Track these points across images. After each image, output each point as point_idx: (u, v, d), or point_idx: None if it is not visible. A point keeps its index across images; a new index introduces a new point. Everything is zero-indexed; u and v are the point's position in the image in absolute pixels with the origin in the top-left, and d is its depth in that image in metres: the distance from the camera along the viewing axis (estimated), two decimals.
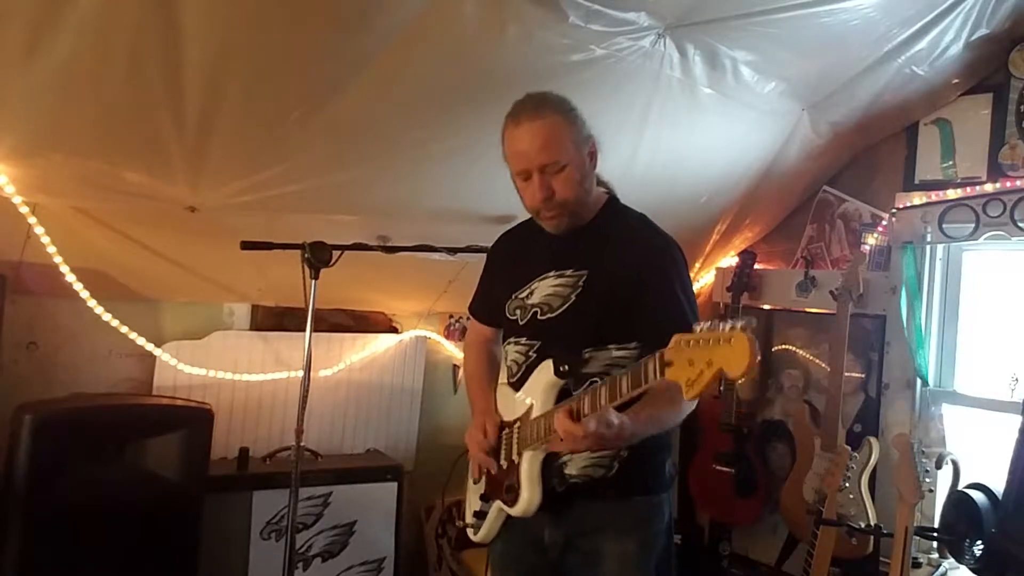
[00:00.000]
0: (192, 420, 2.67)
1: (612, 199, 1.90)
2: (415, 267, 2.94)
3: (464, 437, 1.95)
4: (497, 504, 1.84)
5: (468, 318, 3.80)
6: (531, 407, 1.77)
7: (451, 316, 3.69)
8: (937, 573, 2.78)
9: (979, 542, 2.41)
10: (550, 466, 1.76)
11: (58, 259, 2.56)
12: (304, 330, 2.35)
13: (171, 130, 2.13)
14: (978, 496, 2.45)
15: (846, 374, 3.02)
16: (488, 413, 1.91)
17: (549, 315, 1.81)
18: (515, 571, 1.93)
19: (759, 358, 1.27)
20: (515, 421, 1.82)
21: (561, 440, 1.59)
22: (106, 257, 2.70)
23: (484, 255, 2.37)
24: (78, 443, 2.45)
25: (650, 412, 1.63)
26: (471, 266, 3.14)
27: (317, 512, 3.05)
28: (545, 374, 1.76)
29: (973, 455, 2.76)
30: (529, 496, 1.73)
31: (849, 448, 2.83)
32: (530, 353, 1.84)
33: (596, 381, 1.70)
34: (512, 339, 1.91)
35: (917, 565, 2.76)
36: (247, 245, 2.32)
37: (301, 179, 2.45)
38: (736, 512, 3.43)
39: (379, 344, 3.45)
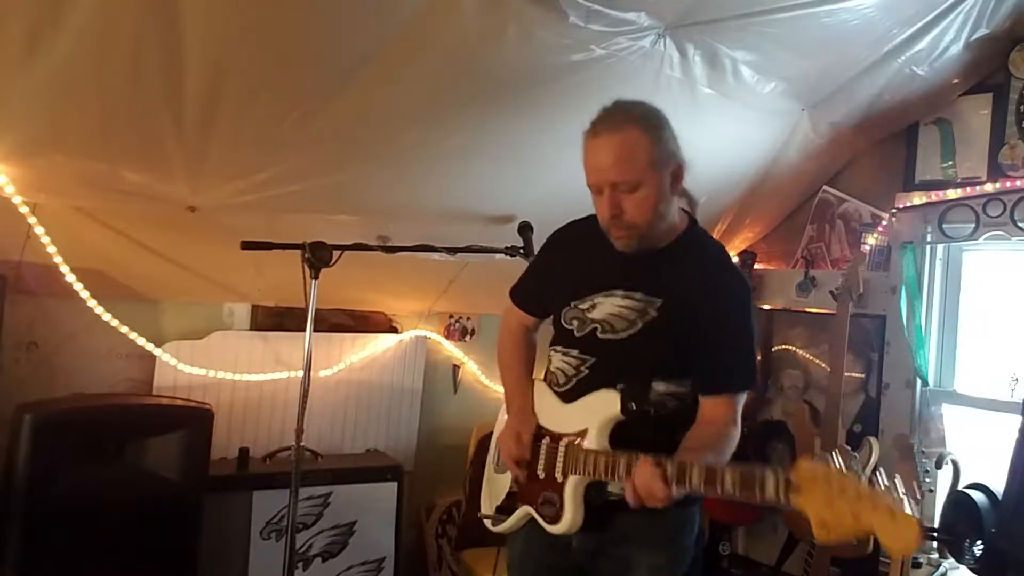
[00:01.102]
0: (192, 420, 2.67)
1: (693, 223, 1.81)
2: (415, 267, 2.94)
3: (497, 436, 1.92)
4: (526, 509, 1.80)
5: (468, 318, 3.82)
6: (584, 432, 1.71)
7: (451, 316, 3.69)
8: (937, 573, 2.78)
9: (979, 542, 2.42)
10: (597, 485, 1.71)
11: (58, 259, 2.56)
12: (304, 330, 2.34)
13: (171, 130, 2.13)
14: (978, 496, 2.45)
15: (846, 374, 3.02)
16: (525, 419, 1.83)
17: (611, 336, 1.74)
18: (533, 568, 1.89)
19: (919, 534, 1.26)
20: (561, 436, 1.76)
21: (633, 491, 1.54)
22: (106, 257, 2.70)
23: (484, 255, 2.37)
24: (78, 443, 2.45)
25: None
26: (471, 266, 3.14)
27: (317, 512, 3.05)
28: (608, 404, 1.69)
29: (973, 455, 2.76)
30: (573, 519, 1.69)
31: (849, 448, 2.83)
32: (582, 368, 1.78)
33: (650, 412, 1.70)
34: (562, 348, 1.83)
35: (917, 565, 2.76)
36: (247, 245, 2.32)
37: (301, 179, 2.46)
38: (736, 512, 3.43)
39: (379, 344, 3.45)
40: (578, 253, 1.86)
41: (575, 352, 1.80)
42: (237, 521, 2.88)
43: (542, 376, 1.92)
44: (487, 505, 1.93)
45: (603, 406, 1.71)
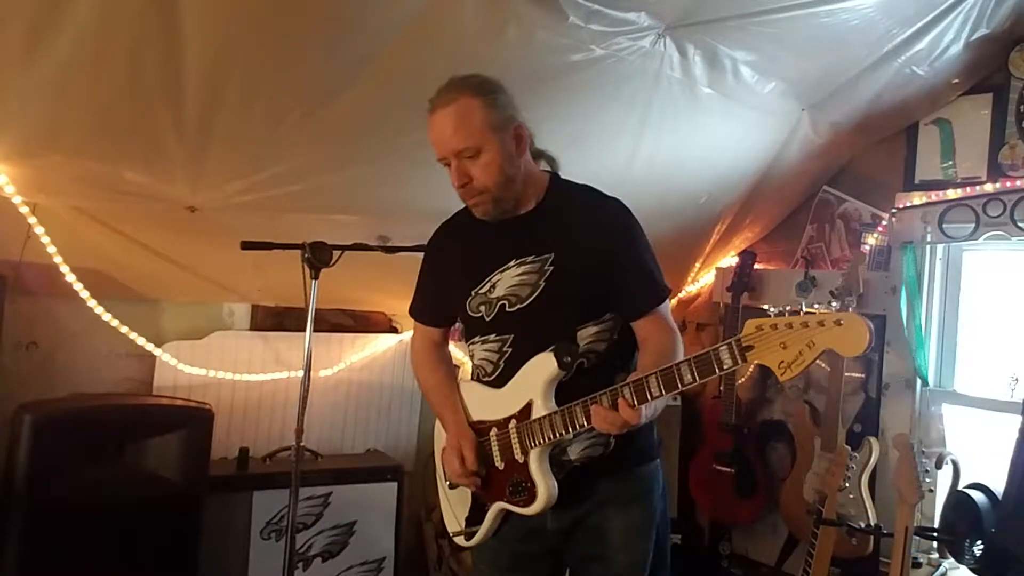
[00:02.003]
0: (192, 420, 2.67)
1: (554, 177, 1.85)
2: (415, 267, 2.93)
3: (439, 456, 1.91)
4: (498, 506, 1.79)
5: None
6: (530, 404, 1.71)
7: None
8: (937, 573, 2.79)
9: (979, 542, 2.41)
10: (553, 455, 1.73)
11: (58, 259, 2.56)
12: (304, 330, 2.35)
13: (171, 130, 2.13)
14: (978, 496, 2.45)
15: (846, 374, 3.02)
16: (463, 434, 1.82)
17: (519, 306, 1.76)
18: (507, 562, 1.87)
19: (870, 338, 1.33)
20: (507, 420, 1.75)
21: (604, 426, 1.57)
22: (106, 257, 2.70)
23: None
24: (78, 443, 2.45)
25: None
26: None
27: (317, 512, 3.05)
28: (543, 367, 1.69)
29: (973, 455, 2.75)
30: (547, 489, 1.69)
31: (849, 448, 2.83)
32: (504, 349, 1.79)
33: (583, 363, 1.71)
34: (479, 337, 1.84)
35: (917, 565, 2.76)
36: (247, 245, 2.32)
37: (301, 179, 2.45)
38: (736, 512, 3.43)
39: (379, 344, 3.45)
40: (460, 246, 1.90)
41: (492, 336, 1.81)
42: (237, 521, 2.89)
43: (470, 376, 1.92)
44: (453, 523, 1.92)
45: (539, 371, 1.71)
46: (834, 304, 2.85)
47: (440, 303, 1.95)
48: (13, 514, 2.35)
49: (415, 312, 2.02)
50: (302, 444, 2.38)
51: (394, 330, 3.54)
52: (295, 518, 2.35)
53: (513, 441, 1.74)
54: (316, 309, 2.36)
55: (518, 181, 1.75)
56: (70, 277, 2.63)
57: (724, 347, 1.44)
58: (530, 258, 1.75)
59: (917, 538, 2.60)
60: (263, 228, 2.48)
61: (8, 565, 2.34)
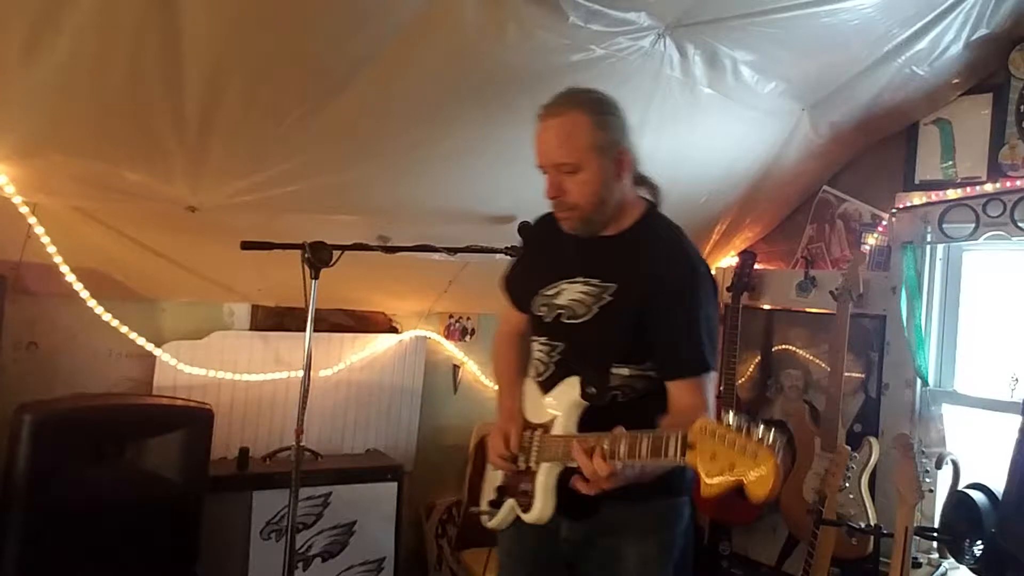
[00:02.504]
0: (192, 420, 2.67)
1: (650, 209, 1.83)
2: (415, 267, 2.94)
3: (488, 436, 1.95)
4: (511, 502, 1.85)
5: (468, 318, 3.83)
6: (553, 420, 1.76)
7: (451, 316, 3.69)
8: (937, 573, 2.79)
9: (979, 542, 2.41)
10: (570, 472, 1.71)
11: (58, 259, 2.56)
12: (304, 330, 2.34)
13: (171, 130, 2.12)
14: (978, 496, 2.45)
15: (846, 374, 3.02)
16: (513, 419, 1.87)
17: (573, 320, 1.79)
18: (524, 559, 1.93)
19: (781, 483, 1.27)
20: (539, 427, 1.81)
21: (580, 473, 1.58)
22: (106, 257, 2.70)
23: (484, 255, 2.38)
24: (78, 443, 2.45)
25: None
26: (471, 266, 3.14)
27: (317, 512, 3.05)
28: (572, 392, 1.74)
29: (973, 455, 2.75)
30: (541, 508, 1.73)
31: (849, 448, 2.83)
32: (553, 354, 1.84)
33: (618, 396, 1.74)
34: (537, 336, 1.90)
35: (917, 565, 2.76)
36: (247, 245, 2.32)
37: (301, 179, 2.45)
38: (736, 512, 3.43)
39: (379, 344, 3.45)
40: (545, 243, 1.92)
41: (545, 339, 1.86)
42: (237, 521, 2.88)
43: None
44: (483, 501, 1.98)
45: (567, 394, 1.76)
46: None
47: (523, 286, 1.97)
48: (13, 514, 2.35)
49: (506, 282, 2.05)
50: (302, 444, 2.38)
51: (394, 330, 3.54)
52: (295, 518, 2.35)
53: (533, 449, 1.79)
54: (316, 309, 2.36)
55: (611, 205, 1.75)
56: (70, 277, 2.63)
57: (672, 438, 1.43)
58: (595, 280, 1.77)
59: (917, 538, 2.60)
60: (263, 228, 2.48)
61: (8, 565, 2.34)
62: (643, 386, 1.77)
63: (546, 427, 1.78)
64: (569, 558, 1.85)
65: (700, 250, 3.58)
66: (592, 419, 1.71)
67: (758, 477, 1.27)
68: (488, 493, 1.96)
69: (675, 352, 1.72)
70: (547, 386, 1.83)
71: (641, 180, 1.85)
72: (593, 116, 1.69)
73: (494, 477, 1.95)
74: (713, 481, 1.33)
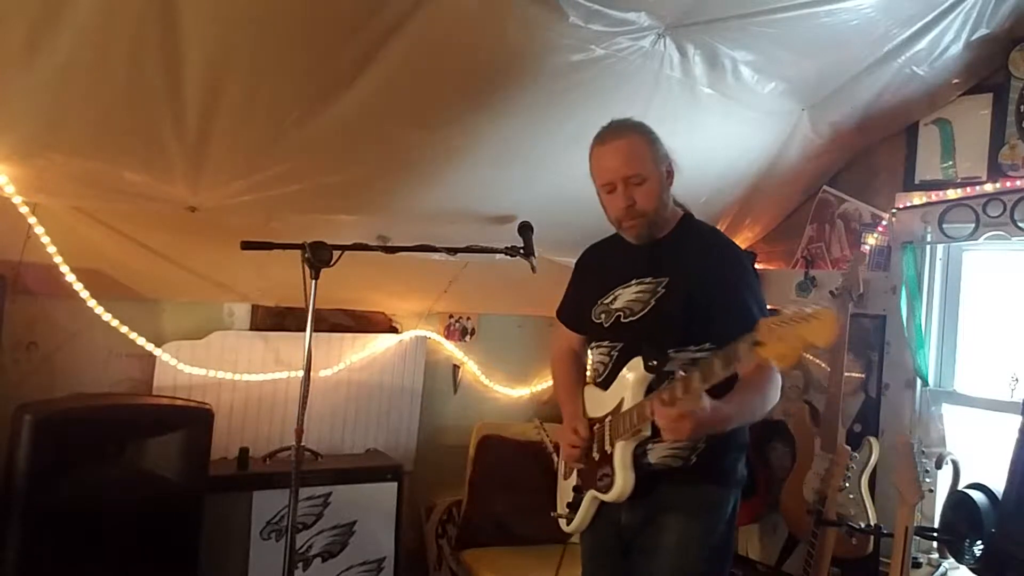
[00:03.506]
0: (192, 420, 2.67)
1: (688, 215, 2.10)
2: (415, 267, 2.94)
3: (556, 436, 2.12)
4: (591, 493, 1.98)
5: (468, 318, 3.83)
6: (622, 401, 1.92)
7: (451, 316, 3.69)
8: (937, 573, 2.78)
9: (979, 542, 2.41)
10: (636, 455, 1.90)
11: (58, 259, 2.56)
12: (304, 330, 2.34)
13: (171, 130, 2.13)
14: (978, 496, 2.45)
15: (846, 374, 3.02)
16: (577, 416, 2.06)
17: (631, 318, 1.99)
18: (601, 557, 2.08)
19: (840, 331, 1.41)
20: (605, 416, 1.96)
21: (662, 425, 1.73)
22: (106, 257, 2.70)
23: (484, 255, 2.40)
24: (78, 443, 2.45)
25: (740, 398, 1.82)
26: (471, 266, 3.14)
27: (317, 512, 3.05)
28: (635, 370, 1.91)
29: (973, 455, 2.75)
30: (623, 480, 1.87)
31: (849, 448, 2.83)
32: (613, 353, 2.02)
33: (676, 372, 1.84)
34: (595, 343, 2.09)
35: (917, 565, 2.76)
36: (247, 245, 2.32)
37: (301, 179, 2.45)
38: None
39: (379, 344, 3.45)
40: (599, 264, 2.19)
41: (606, 342, 2.05)
42: (237, 521, 2.88)
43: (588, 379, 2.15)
44: (560, 506, 2.14)
45: (631, 373, 1.92)
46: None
47: (577, 309, 2.20)
48: (13, 514, 2.35)
49: (561, 314, 2.31)
50: (302, 444, 2.38)
51: (394, 330, 3.54)
52: (295, 518, 2.35)
53: (606, 433, 1.95)
54: (316, 309, 2.36)
55: (667, 209, 2.03)
56: (70, 277, 2.63)
57: (742, 342, 1.59)
58: (648, 279, 1.99)
59: (917, 538, 2.60)
60: (263, 228, 2.48)
61: (8, 565, 2.34)
62: None
63: (614, 412, 1.94)
64: (627, 539, 1.99)
65: None
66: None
67: (820, 329, 1.45)
68: (565, 496, 2.11)
69: (734, 327, 1.81)
70: (609, 383, 2.00)
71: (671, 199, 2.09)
72: (646, 136, 1.99)
73: (567, 483, 2.12)
74: (788, 357, 1.51)
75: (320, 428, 3.29)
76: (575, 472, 2.09)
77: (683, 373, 1.73)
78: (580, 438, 2.00)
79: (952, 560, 2.65)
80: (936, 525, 2.72)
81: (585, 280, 2.22)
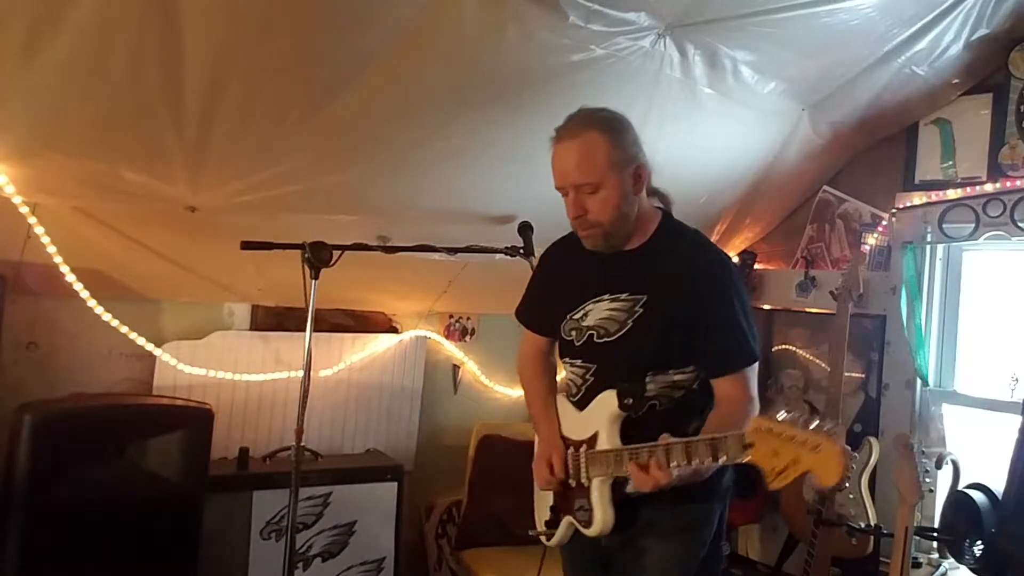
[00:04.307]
0: (192, 420, 2.67)
1: (666, 218, 1.88)
2: (415, 267, 2.94)
3: (531, 464, 1.98)
4: (567, 520, 1.89)
5: (468, 318, 3.82)
6: (597, 435, 1.79)
7: (451, 316, 3.69)
8: (937, 573, 2.79)
9: (979, 542, 2.41)
10: (614, 485, 1.79)
11: (58, 259, 2.56)
12: (304, 330, 2.34)
13: (171, 130, 2.13)
14: (978, 496, 2.45)
15: (846, 374, 3.02)
16: (553, 443, 1.90)
17: (606, 339, 1.82)
18: (580, 572, 2.01)
19: (849, 471, 1.37)
20: (581, 443, 1.84)
21: (634, 482, 1.66)
22: (106, 257, 2.70)
23: (484, 255, 2.38)
24: (78, 443, 2.45)
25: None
26: (471, 266, 3.14)
27: (317, 512, 3.05)
28: (609, 405, 1.77)
29: (973, 455, 2.75)
30: (603, 519, 1.78)
31: (849, 448, 2.82)
32: (587, 376, 1.86)
33: (656, 405, 1.77)
34: (568, 359, 1.92)
35: (917, 565, 2.76)
36: (247, 245, 2.32)
37: (301, 179, 2.45)
38: (736, 512, 3.43)
39: (379, 344, 3.45)
40: (567, 267, 1.97)
41: (579, 361, 1.89)
42: (237, 521, 2.88)
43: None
44: (538, 522, 2.02)
45: (605, 407, 1.79)
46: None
47: (543, 314, 2.02)
48: (13, 514, 2.35)
49: (521, 316, 2.11)
50: (302, 444, 2.38)
51: (394, 330, 3.54)
52: (295, 518, 2.35)
53: (582, 465, 1.83)
54: (316, 309, 2.36)
55: (631, 219, 1.79)
56: (70, 277, 2.63)
57: (733, 440, 1.49)
58: (623, 295, 1.80)
59: (917, 538, 2.61)
60: (263, 228, 2.48)
61: (8, 565, 2.34)
62: (679, 395, 1.81)
63: (589, 442, 1.81)
64: (606, 559, 1.92)
65: None
66: (631, 429, 1.76)
67: (826, 465, 1.36)
68: (542, 513, 1.99)
69: (719, 349, 1.76)
70: (582, 404, 1.86)
71: (652, 191, 1.89)
72: (609, 135, 1.73)
73: (544, 497, 1.99)
74: (782, 477, 1.41)
75: (320, 428, 3.29)
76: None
77: (668, 438, 1.61)
78: (556, 472, 1.87)
79: (952, 560, 2.65)
80: (936, 525, 2.72)
81: (552, 285, 2.01)
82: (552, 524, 1.94)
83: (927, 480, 2.31)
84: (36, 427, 2.38)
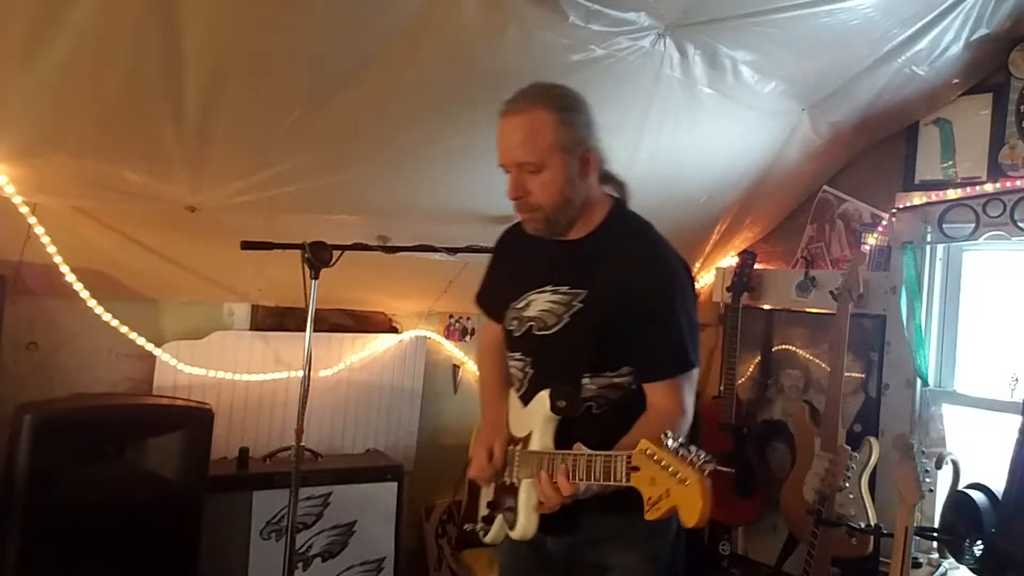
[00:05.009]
0: (192, 420, 2.67)
1: (616, 207, 1.77)
2: (415, 267, 2.94)
3: (470, 449, 1.90)
4: (500, 518, 1.81)
5: (468, 318, 3.82)
6: (530, 435, 1.71)
7: (451, 316, 3.69)
8: (937, 573, 2.79)
9: (979, 542, 2.41)
10: None
11: (58, 259, 2.56)
12: (304, 330, 2.35)
13: (171, 130, 2.13)
14: (978, 496, 2.45)
15: (846, 374, 3.02)
16: (496, 432, 1.80)
17: (544, 332, 1.73)
18: (520, 569, 1.89)
19: (708, 509, 1.25)
20: (520, 441, 1.75)
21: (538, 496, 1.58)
22: (106, 257, 2.70)
23: (484, 255, 2.38)
24: (78, 443, 2.45)
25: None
26: (471, 266, 3.14)
27: (317, 512, 3.05)
28: (543, 406, 1.68)
29: (973, 455, 2.75)
30: (524, 524, 1.68)
31: (849, 448, 2.83)
32: (526, 369, 1.78)
33: (592, 407, 1.69)
34: (510, 351, 1.83)
35: (917, 565, 2.76)
36: (247, 245, 2.32)
37: (301, 179, 2.45)
38: (736, 512, 3.43)
39: (379, 344, 3.45)
40: (515, 254, 1.88)
41: (518, 354, 1.80)
42: (237, 521, 2.88)
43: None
44: (476, 517, 1.95)
45: (540, 407, 1.69)
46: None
47: (495, 300, 1.92)
48: (13, 514, 2.35)
49: (480, 299, 2.01)
50: (302, 444, 2.38)
51: (394, 330, 3.54)
52: (295, 518, 2.35)
53: (514, 464, 1.74)
54: (316, 309, 2.37)
55: (575, 205, 1.69)
56: (70, 277, 2.63)
57: (620, 461, 1.42)
58: (564, 288, 1.71)
59: (917, 538, 2.60)
60: (263, 228, 2.48)
61: (8, 565, 2.34)
62: (617, 396, 1.70)
63: (525, 442, 1.73)
64: (561, 568, 1.81)
65: (700, 250, 3.63)
66: (569, 431, 1.66)
67: (687, 503, 1.26)
68: (482, 508, 1.91)
69: (652, 354, 1.66)
70: (526, 400, 1.77)
71: (607, 178, 1.78)
72: (558, 113, 1.62)
73: (487, 492, 1.91)
74: (654, 508, 1.32)
75: (320, 428, 3.29)
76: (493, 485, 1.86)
77: (578, 451, 1.53)
78: (495, 460, 1.76)
79: (952, 560, 2.65)
80: (936, 525, 2.72)
81: (502, 271, 1.92)
82: (488, 520, 1.85)
83: (927, 480, 2.31)
84: (36, 427, 2.38)
